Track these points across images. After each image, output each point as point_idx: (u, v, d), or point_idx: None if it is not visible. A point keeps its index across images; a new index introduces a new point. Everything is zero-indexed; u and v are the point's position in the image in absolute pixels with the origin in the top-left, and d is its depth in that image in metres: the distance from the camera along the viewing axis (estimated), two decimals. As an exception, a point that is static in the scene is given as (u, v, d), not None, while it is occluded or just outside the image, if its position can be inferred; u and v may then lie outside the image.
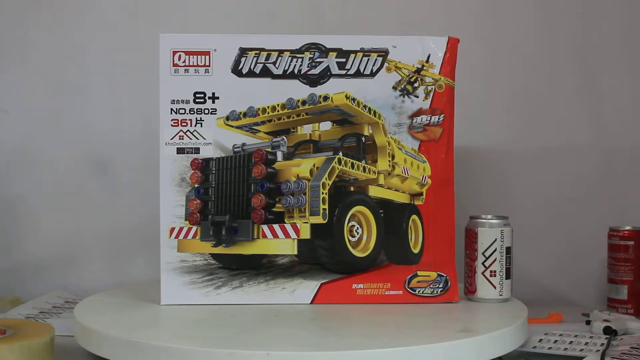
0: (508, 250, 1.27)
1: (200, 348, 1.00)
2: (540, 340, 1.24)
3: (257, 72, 1.25)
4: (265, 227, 1.23)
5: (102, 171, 1.65)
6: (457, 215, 1.27)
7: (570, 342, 1.23)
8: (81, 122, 1.65)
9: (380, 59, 1.24)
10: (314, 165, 1.22)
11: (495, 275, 1.26)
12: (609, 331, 1.28)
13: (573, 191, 1.62)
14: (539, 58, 1.62)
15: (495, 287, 1.27)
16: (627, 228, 1.48)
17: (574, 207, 1.62)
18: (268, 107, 1.24)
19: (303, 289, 1.25)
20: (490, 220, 1.28)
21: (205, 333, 1.11)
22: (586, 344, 1.23)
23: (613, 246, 1.48)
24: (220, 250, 1.25)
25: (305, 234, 1.22)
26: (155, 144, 1.61)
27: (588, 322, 1.34)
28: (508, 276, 1.27)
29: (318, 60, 1.24)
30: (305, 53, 1.24)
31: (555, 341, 1.24)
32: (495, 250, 1.26)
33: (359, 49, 1.24)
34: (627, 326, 1.32)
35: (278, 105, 1.24)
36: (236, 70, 1.25)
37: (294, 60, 1.24)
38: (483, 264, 1.27)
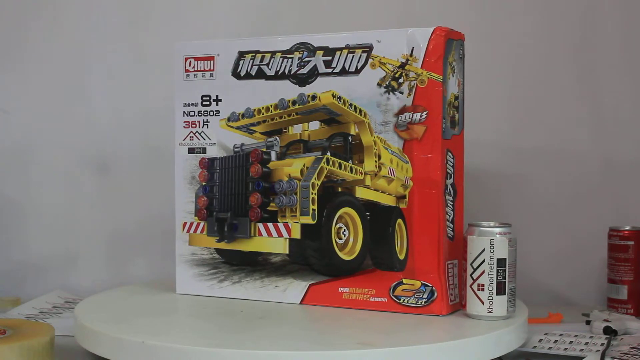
0: (501, 262, 1.13)
1: (200, 348, 1.00)
2: (540, 340, 1.24)
3: (253, 74, 1.27)
4: (260, 225, 1.25)
5: (102, 171, 1.65)
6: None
7: (570, 342, 1.23)
8: (81, 122, 1.65)
9: (364, 55, 1.20)
10: (304, 165, 1.23)
11: (483, 290, 1.13)
12: (609, 331, 1.28)
13: (573, 191, 1.62)
14: (538, 57, 1.62)
15: (483, 303, 1.14)
16: (627, 228, 1.47)
17: (574, 207, 1.61)
18: (263, 107, 1.27)
19: (293, 289, 1.25)
20: (479, 228, 1.15)
21: (205, 333, 1.11)
22: (586, 344, 1.23)
23: (613, 246, 1.48)
24: (222, 245, 1.29)
25: (296, 233, 1.23)
26: (155, 144, 1.63)
27: (588, 322, 1.34)
28: (501, 292, 1.13)
29: (306, 59, 1.24)
30: (295, 53, 1.25)
31: (555, 341, 1.24)
32: (484, 261, 1.13)
33: (344, 46, 1.22)
34: (627, 326, 1.32)
35: (271, 105, 1.26)
36: (235, 73, 1.29)
37: (285, 60, 1.25)
38: (471, 275, 1.14)
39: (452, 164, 1.21)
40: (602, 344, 1.22)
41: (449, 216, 1.20)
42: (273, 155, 1.27)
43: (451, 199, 1.20)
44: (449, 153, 1.20)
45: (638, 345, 1.21)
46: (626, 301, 1.46)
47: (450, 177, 1.20)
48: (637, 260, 1.46)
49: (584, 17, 1.62)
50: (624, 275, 1.47)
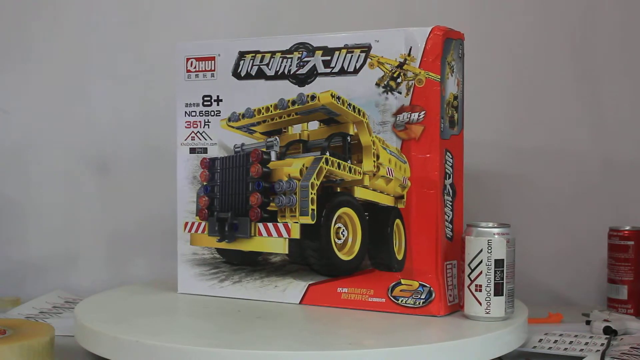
0: (499, 263, 1.13)
1: (200, 348, 1.00)
2: (540, 340, 1.24)
3: (253, 74, 1.28)
4: (261, 225, 1.25)
5: (102, 171, 1.65)
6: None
7: (570, 342, 1.23)
8: (81, 122, 1.65)
9: (363, 54, 1.20)
10: (303, 165, 1.23)
11: (480, 290, 1.13)
12: (609, 331, 1.28)
13: (573, 191, 1.62)
14: (538, 57, 1.62)
15: (480, 304, 1.13)
16: (627, 228, 1.47)
17: (574, 207, 1.61)
18: (263, 107, 1.27)
19: (293, 289, 1.26)
20: (477, 228, 1.14)
21: (204, 334, 1.11)
22: (586, 344, 1.23)
23: (613, 246, 1.48)
24: (223, 245, 1.30)
25: (296, 233, 1.23)
26: (155, 144, 1.63)
27: (588, 322, 1.34)
28: (499, 293, 1.13)
29: (306, 59, 1.24)
30: (295, 53, 1.25)
31: (555, 341, 1.24)
32: (481, 262, 1.13)
33: (342, 46, 1.22)
34: (627, 326, 1.32)
35: (271, 105, 1.26)
36: (236, 73, 1.29)
37: (285, 60, 1.25)
38: (469, 276, 1.14)
39: (451, 164, 1.20)
40: (602, 344, 1.22)
41: (448, 216, 1.20)
42: (273, 155, 1.27)
43: (450, 199, 1.20)
44: (448, 153, 1.19)
45: (638, 345, 1.21)
46: (626, 301, 1.46)
47: (449, 177, 1.20)
48: (637, 260, 1.46)
49: (584, 17, 1.62)
50: (624, 275, 1.47)
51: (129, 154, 1.65)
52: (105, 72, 1.65)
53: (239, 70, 1.29)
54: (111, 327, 1.11)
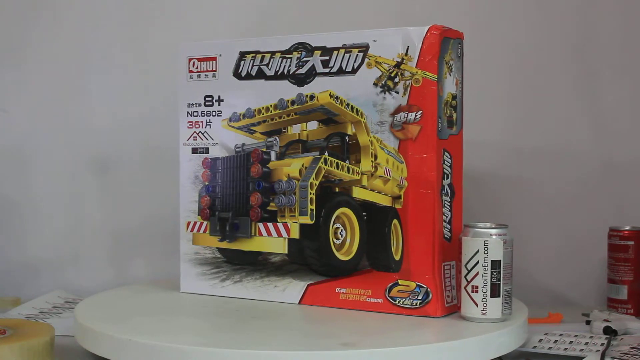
0: (495, 264, 1.12)
1: (200, 347, 1.01)
2: (540, 340, 1.24)
3: (253, 74, 1.28)
4: (261, 225, 1.26)
5: (102, 171, 1.65)
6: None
7: (570, 342, 1.23)
8: (81, 122, 1.65)
9: (361, 54, 1.20)
10: (302, 165, 1.23)
11: (477, 292, 1.12)
12: (609, 331, 1.28)
13: (573, 191, 1.62)
14: (538, 57, 1.62)
15: (477, 305, 1.12)
16: (627, 228, 1.47)
17: (574, 207, 1.61)
18: (263, 108, 1.27)
19: (292, 289, 1.26)
20: (474, 229, 1.13)
21: (204, 334, 1.11)
22: (586, 344, 1.23)
23: (613, 246, 1.48)
24: (224, 245, 1.30)
25: (295, 233, 1.23)
26: (155, 144, 1.63)
27: (588, 322, 1.34)
28: (495, 294, 1.11)
29: (305, 59, 1.24)
30: (294, 53, 1.25)
31: (555, 341, 1.24)
32: (478, 263, 1.12)
33: (341, 46, 1.22)
34: (627, 326, 1.32)
35: (271, 106, 1.26)
36: (236, 74, 1.30)
37: (284, 60, 1.25)
38: (465, 277, 1.13)
39: (449, 164, 1.20)
40: (602, 344, 1.22)
41: (446, 217, 1.19)
42: (273, 155, 1.28)
43: (448, 199, 1.20)
44: (446, 153, 1.19)
45: (638, 345, 1.21)
46: (626, 301, 1.46)
47: (448, 178, 1.20)
48: (637, 260, 1.46)
49: (584, 17, 1.62)
50: (624, 275, 1.47)
51: (129, 154, 1.65)
52: (105, 72, 1.65)
53: (239, 71, 1.29)
54: (111, 327, 1.11)
